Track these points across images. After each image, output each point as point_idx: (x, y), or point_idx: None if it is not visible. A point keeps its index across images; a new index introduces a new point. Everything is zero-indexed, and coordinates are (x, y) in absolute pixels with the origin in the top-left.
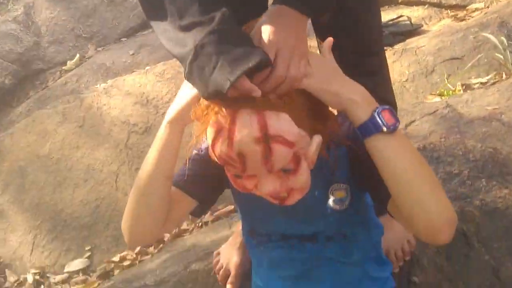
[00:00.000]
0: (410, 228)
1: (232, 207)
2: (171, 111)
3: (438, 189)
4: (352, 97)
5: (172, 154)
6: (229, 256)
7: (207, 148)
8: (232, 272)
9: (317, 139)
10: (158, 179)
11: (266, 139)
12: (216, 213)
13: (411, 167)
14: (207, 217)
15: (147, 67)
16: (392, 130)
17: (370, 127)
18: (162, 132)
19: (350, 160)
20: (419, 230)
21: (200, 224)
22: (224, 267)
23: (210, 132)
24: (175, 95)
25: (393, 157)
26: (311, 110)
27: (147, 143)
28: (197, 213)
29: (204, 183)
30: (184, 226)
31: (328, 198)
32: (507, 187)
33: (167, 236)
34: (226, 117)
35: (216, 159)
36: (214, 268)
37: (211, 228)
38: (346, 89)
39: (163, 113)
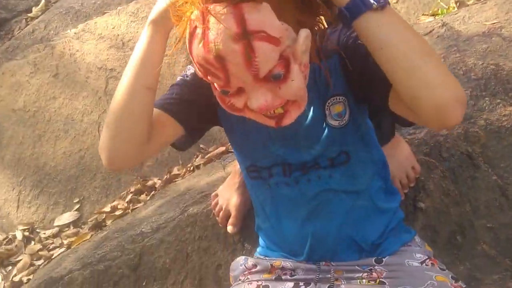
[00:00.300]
0: (417, 117)
1: (224, 148)
2: (154, 11)
3: (441, 65)
4: None
5: (155, 60)
6: (228, 196)
7: (193, 74)
8: (233, 213)
9: (304, 33)
10: (140, 89)
11: (245, 35)
12: (207, 156)
13: (410, 44)
14: (198, 160)
15: (119, 7)
16: (383, 5)
17: (359, 5)
18: (144, 36)
19: (342, 69)
20: (427, 114)
21: (192, 168)
22: (223, 208)
23: (187, 35)
24: None
25: (389, 35)
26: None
27: None
28: (181, 144)
29: (191, 109)
30: (175, 171)
31: (325, 115)
32: (507, 107)
33: (158, 182)
34: (199, 14)
35: (198, 72)
36: (213, 210)
37: (204, 171)
38: None
39: None
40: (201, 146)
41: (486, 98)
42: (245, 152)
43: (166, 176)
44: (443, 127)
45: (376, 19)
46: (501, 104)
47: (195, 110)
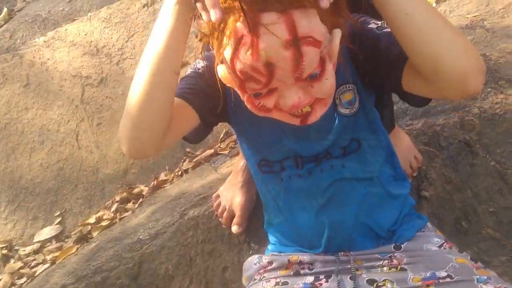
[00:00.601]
0: (437, 89)
1: (212, 150)
2: None
3: (463, 34)
4: None
5: (181, 42)
6: (231, 196)
7: (204, 67)
8: (238, 213)
9: (339, 33)
10: (167, 74)
11: (296, 42)
12: (195, 159)
13: (433, 12)
14: (186, 164)
15: (90, 14)
16: None
17: None
18: (169, 17)
19: (350, 57)
20: (450, 83)
21: (180, 172)
22: (227, 208)
23: (228, 44)
24: (127, 41)
25: (413, 2)
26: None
27: (105, 95)
28: (194, 137)
29: (206, 100)
30: (162, 177)
31: (336, 104)
32: (502, 92)
33: (145, 189)
34: (247, 22)
35: (227, 78)
36: (216, 211)
37: (193, 174)
38: None
39: (118, 61)
40: (187, 149)
41: None
42: (257, 148)
43: (153, 183)
44: (463, 96)
45: None
46: (492, 93)
47: (209, 102)
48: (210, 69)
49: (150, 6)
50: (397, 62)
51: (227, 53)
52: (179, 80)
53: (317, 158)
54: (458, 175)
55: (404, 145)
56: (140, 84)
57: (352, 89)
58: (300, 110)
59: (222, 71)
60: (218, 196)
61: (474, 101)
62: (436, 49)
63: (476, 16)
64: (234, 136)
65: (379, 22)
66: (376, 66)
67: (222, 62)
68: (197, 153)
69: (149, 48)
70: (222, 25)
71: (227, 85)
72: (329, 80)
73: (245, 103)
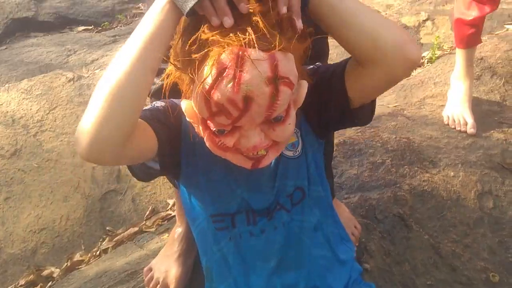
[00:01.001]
0: (379, 66)
1: (136, 228)
2: None
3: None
4: None
5: (164, 41)
6: (166, 268)
7: (164, 107)
8: (173, 285)
9: (305, 84)
10: (146, 70)
11: (275, 80)
12: (116, 238)
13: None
14: (106, 243)
15: (8, 85)
16: None
17: None
18: (159, 14)
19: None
20: (389, 53)
21: (98, 252)
22: (161, 282)
23: (209, 73)
24: (48, 113)
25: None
26: (303, 53)
27: (18, 168)
28: (145, 174)
29: (165, 130)
30: (77, 257)
31: None
32: (427, 172)
33: (56, 271)
34: (232, 55)
35: (191, 113)
36: (147, 286)
37: (114, 254)
38: None
39: (36, 133)
40: (108, 228)
41: (405, 166)
42: (209, 200)
43: (66, 264)
44: (407, 65)
45: None
46: (419, 171)
47: (167, 134)
48: (168, 110)
49: (76, 81)
50: (337, 70)
51: (206, 83)
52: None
53: (269, 211)
54: (395, 248)
55: (344, 215)
56: (116, 76)
57: (296, 132)
58: (256, 153)
59: (186, 106)
60: (150, 269)
61: (404, 178)
62: (371, 24)
63: (396, 106)
64: (162, 213)
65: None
66: (321, 90)
67: (188, 98)
68: (119, 231)
69: (133, 41)
70: (200, 57)
71: (189, 120)
72: (291, 125)
73: (205, 140)
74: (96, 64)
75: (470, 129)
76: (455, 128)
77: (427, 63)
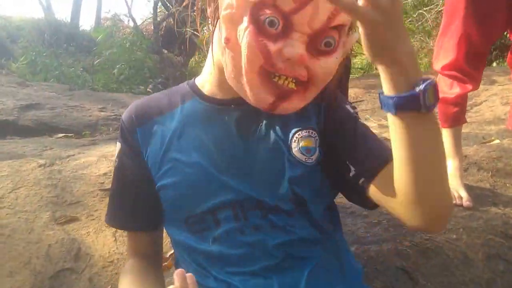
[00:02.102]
0: (407, 214)
1: None
2: None
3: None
4: (402, 58)
5: None
6: None
7: (119, 157)
8: None
9: (356, 35)
10: None
11: None
12: None
13: (438, 148)
14: None
15: None
16: (431, 109)
17: (408, 104)
18: None
19: (325, 120)
20: (423, 213)
21: None
22: None
23: None
24: (10, 192)
25: (424, 136)
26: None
27: None
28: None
29: (144, 193)
30: None
31: (291, 147)
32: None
33: None
34: None
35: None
36: None
37: None
38: (402, 44)
39: None
40: None
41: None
42: (184, 199)
43: None
44: (430, 224)
45: (418, 119)
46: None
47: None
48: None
49: (48, 166)
50: (378, 158)
51: None
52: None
53: (263, 207)
54: None
55: None
56: None
57: (314, 138)
58: (287, 81)
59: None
60: None
61: (404, 235)
62: (428, 182)
63: None
64: None
65: (351, 104)
66: (346, 149)
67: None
68: None
69: None
70: None
71: (226, 11)
72: (335, 61)
73: (246, 34)
74: (72, 158)
75: (466, 202)
76: None
77: None
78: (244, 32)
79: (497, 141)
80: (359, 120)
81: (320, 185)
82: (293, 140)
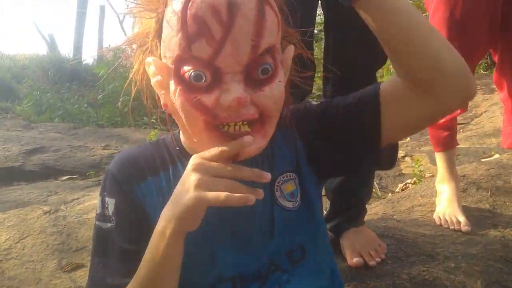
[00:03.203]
0: (436, 93)
1: None
2: (181, 207)
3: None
4: None
5: (176, 267)
6: None
7: (115, 210)
8: None
9: (291, 49)
10: None
11: None
12: None
13: (420, 17)
14: None
15: None
16: None
17: None
18: (165, 247)
19: (301, 138)
20: (453, 77)
21: None
22: None
23: None
24: (17, 242)
25: (401, 7)
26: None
27: None
28: None
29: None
30: None
31: (275, 197)
32: (425, 264)
33: None
34: None
35: (160, 66)
36: None
37: None
38: None
39: (0, 261)
40: None
41: (402, 259)
42: (183, 273)
43: None
44: (466, 97)
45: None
46: (417, 262)
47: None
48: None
49: (53, 213)
50: (366, 100)
51: (177, 2)
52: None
53: (261, 275)
54: None
55: (369, 235)
56: None
57: (293, 179)
58: (238, 127)
59: (153, 61)
60: None
61: (402, 269)
62: (435, 43)
63: (385, 213)
64: None
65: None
66: (339, 127)
67: (151, 51)
68: None
69: (145, 266)
70: None
71: (155, 78)
72: (280, 85)
73: (177, 97)
74: (76, 202)
75: (465, 227)
76: (448, 228)
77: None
78: (175, 95)
79: (496, 155)
80: (328, 101)
81: (311, 218)
82: (276, 189)
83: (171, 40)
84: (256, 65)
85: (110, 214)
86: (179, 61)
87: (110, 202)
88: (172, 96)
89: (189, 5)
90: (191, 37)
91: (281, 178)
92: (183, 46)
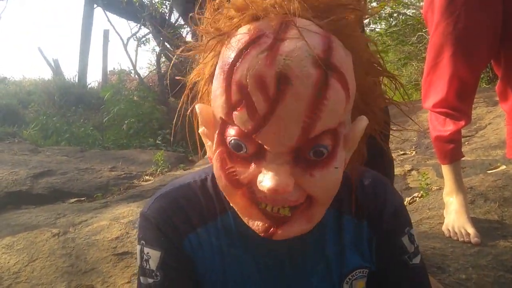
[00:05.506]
0: None
1: None
2: None
3: None
4: None
5: None
6: None
7: (161, 269)
8: None
9: (365, 121)
10: None
11: (327, 65)
12: None
13: None
14: None
15: None
16: None
17: None
18: None
19: (370, 237)
20: None
21: None
22: None
23: (238, 41)
24: (26, 265)
25: None
26: (366, 80)
27: None
28: None
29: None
30: None
31: (342, 284)
32: (436, 276)
33: None
34: (273, 22)
35: (206, 115)
36: None
37: None
38: None
39: (9, 285)
40: None
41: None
42: None
43: None
44: None
45: None
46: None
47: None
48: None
49: (61, 235)
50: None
51: (229, 57)
52: None
53: None
54: None
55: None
56: None
57: (366, 276)
58: (277, 209)
59: (201, 109)
60: None
61: None
62: None
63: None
64: None
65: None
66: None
67: (202, 98)
68: None
69: None
70: (229, 28)
71: (202, 128)
72: (336, 172)
73: (214, 159)
74: (85, 223)
75: (474, 239)
76: (458, 240)
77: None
78: (214, 155)
79: (503, 167)
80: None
81: None
82: (347, 282)
83: (217, 98)
84: (308, 146)
85: (154, 268)
86: (224, 122)
87: (153, 255)
88: (213, 153)
89: (236, 65)
90: (233, 103)
91: (356, 273)
92: (226, 112)
